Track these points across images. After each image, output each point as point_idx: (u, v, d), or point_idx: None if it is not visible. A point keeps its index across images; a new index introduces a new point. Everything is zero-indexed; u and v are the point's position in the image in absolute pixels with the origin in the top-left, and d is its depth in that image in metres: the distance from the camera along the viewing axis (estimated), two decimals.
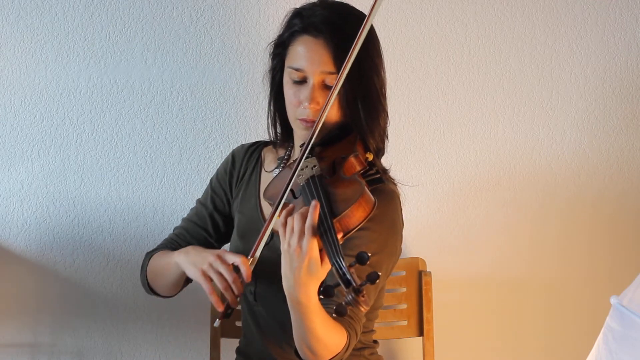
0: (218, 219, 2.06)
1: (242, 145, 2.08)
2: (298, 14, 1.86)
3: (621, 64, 2.68)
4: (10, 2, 2.48)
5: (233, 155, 2.08)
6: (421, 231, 2.64)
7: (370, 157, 1.85)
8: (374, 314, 1.98)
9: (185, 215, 2.11)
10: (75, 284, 2.56)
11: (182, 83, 2.55)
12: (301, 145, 1.86)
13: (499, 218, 2.67)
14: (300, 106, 1.83)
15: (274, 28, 2.51)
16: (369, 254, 1.52)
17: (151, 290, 2.01)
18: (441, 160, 2.64)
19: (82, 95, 2.53)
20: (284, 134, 1.97)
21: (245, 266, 1.71)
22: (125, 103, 2.54)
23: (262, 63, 2.49)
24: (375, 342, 2.04)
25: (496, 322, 2.70)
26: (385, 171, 1.91)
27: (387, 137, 1.91)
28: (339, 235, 1.59)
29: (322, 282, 1.60)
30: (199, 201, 2.10)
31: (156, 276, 1.98)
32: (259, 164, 2.03)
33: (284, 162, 1.95)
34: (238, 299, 1.73)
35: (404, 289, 2.43)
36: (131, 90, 2.54)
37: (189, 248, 1.88)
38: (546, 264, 2.71)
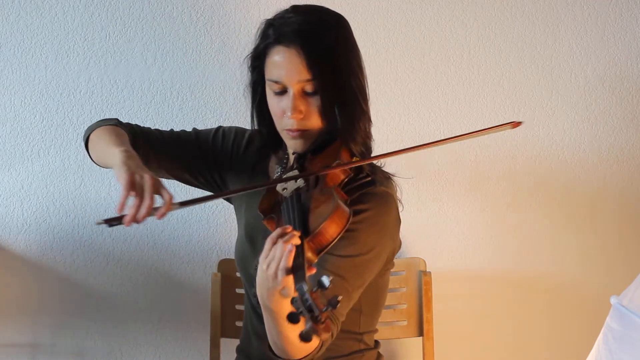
0: (198, 159, 2.03)
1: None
2: (270, 25, 1.84)
3: (621, 64, 2.68)
4: (10, 2, 2.48)
5: (250, 137, 2.03)
6: (421, 231, 2.64)
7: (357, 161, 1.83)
8: (377, 313, 1.98)
9: (176, 129, 2.06)
10: (75, 284, 2.56)
11: (182, 83, 2.55)
12: (293, 153, 1.87)
13: (499, 218, 2.67)
14: (284, 117, 1.82)
15: None
16: (330, 279, 1.50)
17: (86, 146, 1.94)
18: (441, 160, 2.63)
19: (82, 95, 2.53)
20: (272, 144, 1.96)
21: (166, 205, 1.65)
22: (125, 103, 2.54)
23: None
24: (377, 342, 2.04)
25: (496, 322, 2.70)
26: (374, 171, 1.89)
27: (371, 139, 1.89)
28: (310, 254, 1.60)
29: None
30: (195, 133, 2.05)
31: (95, 145, 1.89)
32: (267, 161, 2.01)
33: (282, 169, 1.95)
34: (133, 223, 1.65)
35: (404, 289, 2.43)
36: (131, 90, 2.54)
37: (136, 154, 1.77)
38: (546, 264, 2.71)
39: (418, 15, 2.60)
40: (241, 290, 2.36)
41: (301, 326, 1.50)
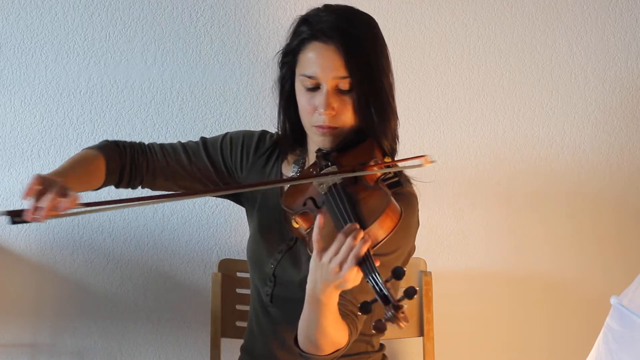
0: (209, 169, 2.04)
1: (271, 136, 2.05)
2: (305, 21, 1.85)
3: (621, 64, 2.68)
4: (10, 2, 2.48)
5: (259, 139, 2.04)
6: (421, 231, 2.62)
7: (389, 161, 1.85)
8: None
9: (184, 141, 2.07)
10: (75, 284, 2.56)
11: (182, 83, 2.55)
12: (317, 151, 1.86)
13: (499, 218, 2.67)
14: (315, 113, 1.83)
15: (274, 28, 2.52)
16: (405, 269, 1.53)
17: None
18: (441, 160, 2.63)
19: (82, 95, 2.53)
20: (296, 141, 1.96)
21: (70, 201, 1.66)
22: (125, 103, 2.54)
23: (262, 63, 2.50)
24: (382, 345, 2.05)
25: (496, 322, 2.70)
26: (400, 172, 1.91)
27: (397, 139, 1.92)
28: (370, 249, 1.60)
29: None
30: (203, 142, 2.05)
31: None
32: (279, 161, 2.01)
33: (300, 168, 1.95)
34: (36, 217, 1.65)
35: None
36: (131, 90, 2.54)
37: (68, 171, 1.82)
38: (546, 264, 2.71)
39: (418, 15, 2.60)
40: (242, 290, 2.36)
41: (377, 315, 1.52)
